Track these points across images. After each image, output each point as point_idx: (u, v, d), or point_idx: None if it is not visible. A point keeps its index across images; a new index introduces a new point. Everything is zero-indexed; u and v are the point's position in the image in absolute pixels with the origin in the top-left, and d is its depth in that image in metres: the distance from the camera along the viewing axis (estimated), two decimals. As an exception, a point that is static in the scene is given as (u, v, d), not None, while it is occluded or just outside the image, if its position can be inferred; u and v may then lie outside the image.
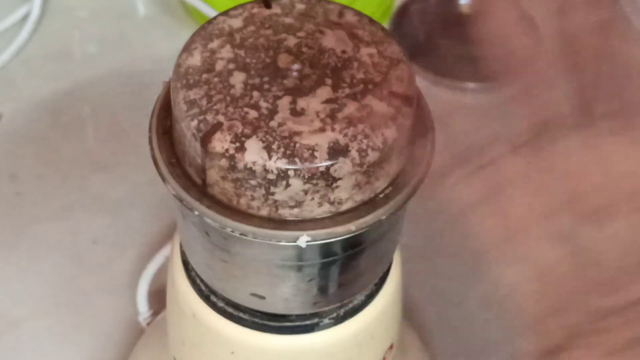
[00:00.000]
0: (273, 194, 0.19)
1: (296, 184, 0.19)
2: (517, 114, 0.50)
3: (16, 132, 0.48)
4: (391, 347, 0.26)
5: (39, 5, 0.52)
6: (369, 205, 0.20)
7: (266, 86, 0.20)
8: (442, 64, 0.51)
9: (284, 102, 0.20)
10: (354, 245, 0.21)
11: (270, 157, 0.19)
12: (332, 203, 0.20)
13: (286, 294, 0.22)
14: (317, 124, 0.19)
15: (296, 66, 0.20)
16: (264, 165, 0.19)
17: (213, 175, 0.20)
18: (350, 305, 0.23)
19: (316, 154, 0.19)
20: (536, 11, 0.54)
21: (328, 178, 0.19)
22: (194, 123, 0.20)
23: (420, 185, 0.21)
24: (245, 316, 0.23)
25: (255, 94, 0.20)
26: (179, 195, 0.20)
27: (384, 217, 0.20)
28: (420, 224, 0.44)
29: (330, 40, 0.21)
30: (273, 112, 0.20)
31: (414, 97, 0.20)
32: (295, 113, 0.20)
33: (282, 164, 0.19)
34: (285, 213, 0.20)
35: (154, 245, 0.43)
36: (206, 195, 0.20)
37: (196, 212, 0.20)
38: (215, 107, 0.20)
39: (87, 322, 0.40)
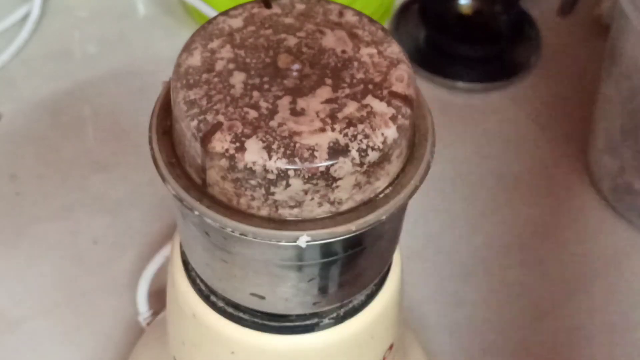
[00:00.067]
0: (273, 194, 0.19)
1: (296, 184, 0.19)
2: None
3: (16, 132, 0.48)
4: (391, 347, 0.26)
5: (39, 5, 0.52)
6: (369, 205, 0.20)
7: (266, 86, 0.20)
8: (442, 64, 0.51)
9: (284, 102, 0.20)
10: (354, 245, 0.21)
11: (270, 157, 0.19)
12: (332, 203, 0.20)
13: (286, 294, 0.22)
14: (317, 124, 0.19)
15: (296, 66, 0.20)
16: (264, 165, 0.19)
17: (213, 175, 0.20)
18: (350, 305, 0.23)
19: (316, 154, 0.19)
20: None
21: (328, 178, 0.19)
22: (194, 123, 0.20)
23: (420, 185, 0.21)
24: (245, 316, 0.23)
25: (255, 94, 0.20)
26: (179, 195, 0.20)
27: (384, 217, 0.20)
28: (420, 224, 0.44)
29: (330, 40, 0.21)
30: (273, 112, 0.20)
31: (414, 97, 0.20)
32: (295, 113, 0.20)
33: (282, 164, 0.19)
34: (285, 213, 0.20)
35: (154, 245, 0.43)
36: (206, 195, 0.20)
37: (196, 212, 0.20)
38: (215, 107, 0.20)
39: (87, 322, 0.40)
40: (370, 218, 0.20)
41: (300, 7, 0.22)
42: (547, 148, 0.48)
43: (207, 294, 0.23)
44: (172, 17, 0.54)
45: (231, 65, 0.20)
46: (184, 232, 0.23)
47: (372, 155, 0.19)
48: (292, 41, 0.21)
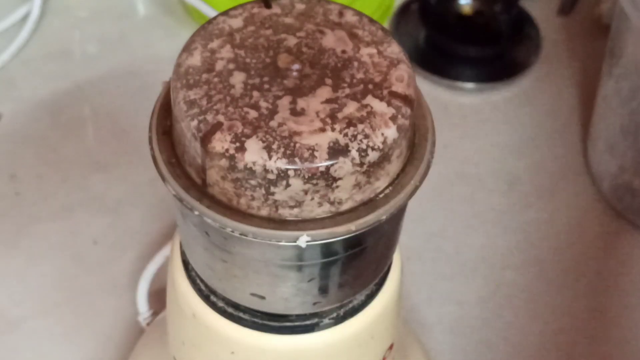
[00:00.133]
0: (273, 194, 0.19)
1: (296, 184, 0.19)
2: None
3: (16, 132, 0.48)
4: (391, 347, 0.26)
5: (39, 5, 0.52)
6: (369, 205, 0.20)
7: (266, 86, 0.20)
8: (442, 64, 0.51)
9: (284, 102, 0.20)
10: (354, 245, 0.21)
11: (270, 157, 0.19)
12: (332, 203, 0.20)
13: (286, 294, 0.22)
14: (317, 124, 0.19)
15: (296, 66, 0.20)
16: (264, 165, 0.19)
17: (213, 175, 0.20)
18: (350, 305, 0.23)
19: (316, 154, 0.19)
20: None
21: (328, 178, 0.19)
22: (194, 123, 0.19)
23: (421, 185, 0.21)
24: (245, 316, 0.23)
25: (255, 94, 0.20)
26: (179, 195, 0.20)
27: (384, 217, 0.20)
28: (420, 224, 0.44)
29: (330, 40, 0.21)
30: (273, 112, 0.20)
31: (414, 97, 0.20)
32: (295, 113, 0.20)
33: (282, 164, 0.19)
34: (285, 213, 0.20)
35: (154, 245, 0.43)
36: (206, 195, 0.20)
37: (196, 212, 0.20)
38: (215, 107, 0.20)
39: (87, 322, 0.40)
40: (370, 218, 0.20)
41: (300, 7, 0.22)
42: (547, 148, 0.48)
43: (207, 294, 0.23)
44: (172, 17, 0.54)
45: (231, 65, 0.20)
46: (184, 232, 0.23)
47: (372, 155, 0.19)
48: (292, 41, 0.21)
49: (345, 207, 0.20)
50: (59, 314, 0.41)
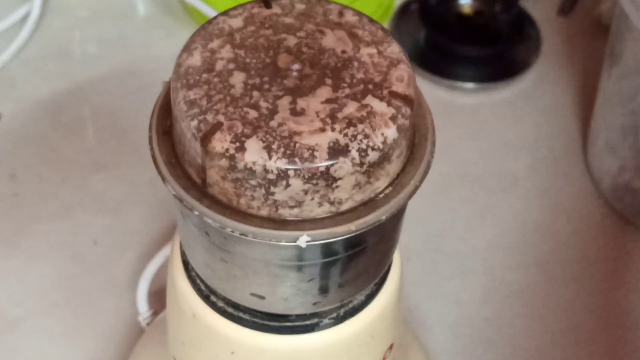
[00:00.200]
0: (273, 194, 0.19)
1: (296, 184, 0.19)
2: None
3: (16, 132, 0.48)
4: (391, 347, 0.26)
5: (39, 5, 0.52)
6: (369, 205, 0.20)
7: (266, 86, 0.20)
8: (442, 64, 0.51)
9: (284, 102, 0.20)
10: (354, 245, 0.21)
11: (270, 157, 0.19)
12: (332, 203, 0.20)
13: (286, 294, 0.22)
14: (317, 124, 0.19)
15: (296, 66, 0.20)
16: (264, 165, 0.19)
17: (213, 175, 0.20)
18: (350, 305, 0.23)
19: (316, 153, 0.19)
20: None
21: (328, 178, 0.19)
22: (194, 123, 0.19)
23: (421, 185, 0.21)
24: (245, 316, 0.23)
25: (255, 94, 0.20)
26: (179, 195, 0.20)
27: (384, 217, 0.20)
28: (420, 224, 0.44)
29: (330, 40, 0.21)
30: (273, 112, 0.20)
31: (414, 97, 0.20)
32: (295, 113, 0.20)
33: (282, 164, 0.19)
34: (285, 213, 0.20)
35: (154, 245, 0.43)
36: (206, 195, 0.20)
37: (196, 212, 0.20)
38: (215, 107, 0.20)
39: (87, 322, 0.40)
40: (370, 218, 0.20)
41: (300, 7, 0.22)
42: (547, 148, 0.48)
43: (207, 294, 0.23)
44: (172, 17, 0.54)
45: (231, 65, 0.20)
46: (184, 232, 0.23)
47: (372, 155, 0.19)
48: (292, 41, 0.21)
49: (345, 207, 0.20)
50: (59, 314, 0.41)
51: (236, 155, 0.19)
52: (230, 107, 0.20)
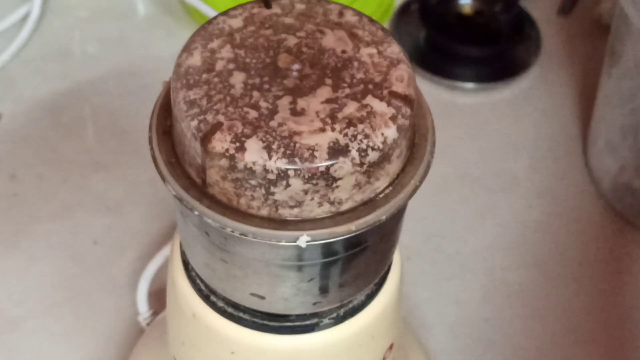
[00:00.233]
0: (273, 194, 0.19)
1: (296, 183, 0.19)
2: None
3: (16, 132, 0.48)
4: (391, 347, 0.26)
5: (39, 5, 0.52)
6: (369, 205, 0.20)
7: (266, 86, 0.20)
8: (442, 64, 0.51)
9: (284, 102, 0.20)
10: (354, 245, 0.21)
11: (270, 157, 0.19)
12: (332, 203, 0.20)
13: (286, 294, 0.22)
14: (317, 124, 0.19)
15: (296, 66, 0.20)
16: (264, 165, 0.19)
17: (213, 175, 0.20)
18: (350, 305, 0.23)
19: (316, 153, 0.19)
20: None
21: (328, 178, 0.19)
22: (194, 123, 0.19)
23: (421, 185, 0.21)
24: (245, 316, 0.23)
25: (255, 94, 0.20)
26: (179, 195, 0.20)
27: (384, 217, 0.20)
28: (420, 224, 0.44)
29: (330, 40, 0.21)
30: (273, 112, 0.20)
31: (414, 97, 0.20)
32: (295, 113, 0.20)
33: (282, 164, 0.19)
34: (285, 213, 0.20)
35: (154, 245, 0.43)
36: (206, 195, 0.20)
37: (196, 212, 0.20)
38: (215, 107, 0.20)
39: (87, 322, 0.40)
40: (370, 218, 0.20)
41: (300, 7, 0.22)
42: (547, 148, 0.48)
43: (207, 294, 0.23)
44: (172, 17, 0.54)
45: (231, 65, 0.20)
46: (184, 232, 0.23)
47: (372, 155, 0.19)
48: (292, 41, 0.21)
49: (345, 207, 0.20)
50: (59, 314, 0.41)
51: (236, 155, 0.19)
52: (230, 107, 0.20)
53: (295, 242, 0.20)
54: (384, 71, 0.20)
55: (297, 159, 0.19)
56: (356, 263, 0.22)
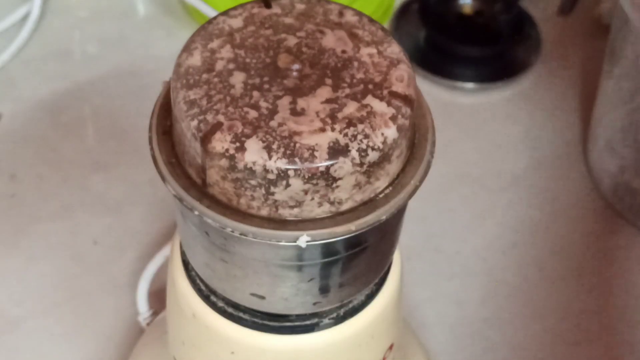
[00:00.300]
0: (273, 194, 0.19)
1: (296, 183, 0.19)
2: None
3: (16, 132, 0.48)
4: (391, 347, 0.26)
5: (39, 5, 0.52)
6: (369, 205, 0.20)
7: (266, 86, 0.20)
8: (442, 64, 0.51)
9: (284, 102, 0.20)
10: (354, 245, 0.21)
11: (270, 157, 0.19)
12: (332, 203, 0.20)
13: (286, 294, 0.22)
14: (317, 124, 0.19)
15: (296, 66, 0.20)
16: (264, 165, 0.19)
17: (213, 175, 0.20)
18: (350, 305, 0.23)
19: (316, 153, 0.19)
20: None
21: (328, 178, 0.19)
22: (194, 123, 0.20)
23: (421, 185, 0.21)
24: (245, 316, 0.23)
25: (255, 94, 0.20)
26: (179, 195, 0.20)
27: (384, 217, 0.20)
28: (420, 224, 0.44)
29: (330, 40, 0.21)
30: (273, 112, 0.20)
31: (414, 97, 0.20)
32: (295, 113, 0.20)
33: (282, 164, 0.19)
34: (285, 213, 0.20)
35: (154, 245, 0.43)
36: (206, 195, 0.20)
37: (196, 212, 0.20)
38: (215, 107, 0.20)
39: (87, 322, 0.40)
40: (370, 218, 0.20)
41: (300, 7, 0.22)
42: (547, 148, 0.48)
43: (207, 294, 0.23)
44: (172, 17, 0.54)
45: (231, 65, 0.20)
46: (184, 232, 0.23)
47: (372, 155, 0.19)
48: (292, 41, 0.21)
49: (345, 207, 0.20)
50: (59, 314, 0.41)
51: (236, 155, 0.19)
52: (230, 107, 0.20)
53: (295, 242, 0.20)
54: (384, 71, 0.21)
55: (297, 159, 0.19)
56: (356, 263, 0.22)
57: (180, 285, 0.24)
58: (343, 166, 0.19)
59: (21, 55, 0.51)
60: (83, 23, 0.53)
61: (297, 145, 0.19)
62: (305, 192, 0.19)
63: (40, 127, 0.48)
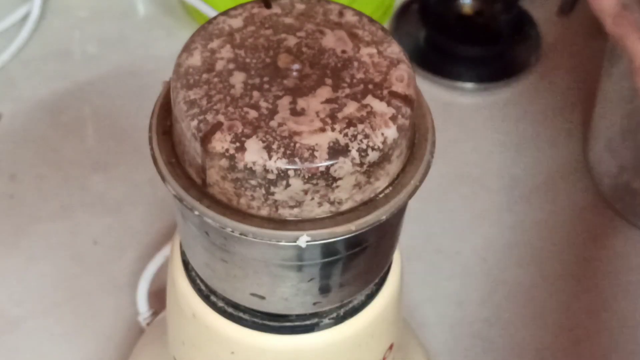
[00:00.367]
0: (273, 194, 0.19)
1: (296, 183, 0.19)
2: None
3: (16, 132, 0.48)
4: (391, 347, 0.26)
5: (39, 5, 0.52)
6: (369, 205, 0.20)
7: (266, 86, 0.20)
8: (442, 64, 0.51)
9: (284, 102, 0.20)
10: (354, 245, 0.21)
11: (270, 157, 0.19)
12: (332, 203, 0.20)
13: (286, 294, 0.22)
14: (317, 124, 0.19)
15: (296, 66, 0.20)
16: (264, 165, 0.19)
17: (213, 175, 0.20)
18: (350, 305, 0.23)
19: (316, 153, 0.19)
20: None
21: (328, 178, 0.19)
22: (194, 123, 0.19)
23: (421, 185, 0.21)
24: (245, 316, 0.23)
25: (255, 94, 0.20)
26: (179, 195, 0.20)
27: (384, 217, 0.20)
28: (420, 224, 0.44)
29: (330, 40, 0.21)
30: (273, 112, 0.20)
31: (414, 97, 0.20)
32: (295, 113, 0.20)
33: (282, 164, 0.19)
34: (285, 213, 0.20)
35: (154, 245, 0.43)
36: (206, 195, 0.20)
37: (196, 212, 0.20)
38: (215, 107, 0.20)
39: (87, 322, 0.40)
40: (370, 218, 0.20)
41: (300, 7, 0.22)
42: (547, 148, 0.48)
43: (207, 294, 0.23)
44: (172, 17, 0.54)
45: (231, 65, 0.20)
46: (184, 232, 0.23)
47: (372, 155, 0.19)
48: (292, 41, 0.21)
49: (345, 207, 0.20)
50: (59, 314, 0.41)
51: (236, 155, 0.19)
52: (230, 107, 0.20)
53: (295, 242, 0.20)
54: (384, 71, 0.21)
55: (297, 159, 0.19)
56: (356, 263, 0.22)
57: (180, 285, 0.24)
58: (343, 166, 0.19)
59: (21, 55, 0.51)
60: (83, 23, 0.53)
61: (297, 145, 0.19)
62: (305, 192, 0.19)
63: (40, 127, 0.48)
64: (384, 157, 0.20)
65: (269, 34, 0.21)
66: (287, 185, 0.19)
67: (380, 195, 0.20)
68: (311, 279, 0.21)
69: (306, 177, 0.19)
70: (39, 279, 0.42)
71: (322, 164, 0.19)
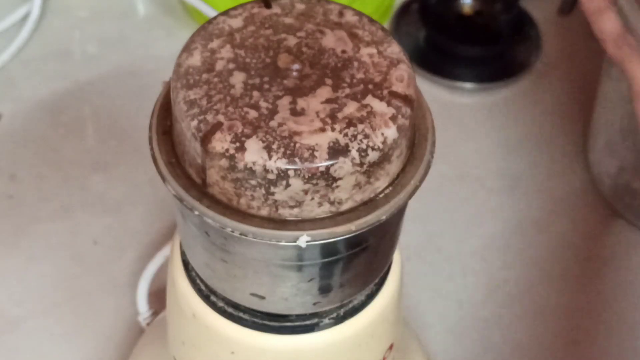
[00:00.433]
0: (273, 194, 0.19)
1: (296, 183, 0.19)
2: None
3: (16, 132, 0.48)
4: (391, 347, 0.26)
5: (39, 5, 0.52)
6: (369, 205, 0.20)
7: (266, 86, 0.20)
8: (442, 64, 0.51)
9: (284, 102, 0.20)
10: (354, 245, 0.21)
11: (270, 157, 0.19)
12: (332, 203, 0.20)
13: (286, 294, 0.22)
14: (317, 124, 0.19)
15: (296, 66, 0.20)
16: (264, 165, 0.19)
17: (213, 175, 0.20)
18: (350, 305, 0.23)
19: (316, 153, 0.19)
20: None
21: (328, 178, 0.19)
22: (194, 123, 0.20)
23: (421, 185, 0.21)
24: (245, 316, 0.23)
25: (255, 94, 0.20)
26: (179, 195, 0.20)
27: (384, 217, 0.20)
28: (420, 224, 0.44)
29: (330, 40, 0.21)
30: (273, 112, 0.20)
31: (414, 97, 0.20)
32: (295, 113, 0.20)
33: (282, 164, 0.19)
34: (285, 213, 0.20)
35: (154, 245, 0.43)
36: (206, 195, 0.20)
37: (196, 212, 0.20)
38: (215, 107, 0.20)
39: (87, 322, 0.40)
40: (370, 218, 0.20)
41: (300, 7, 0.22)
42: (547, 148, 0.48)
43: (207, 294, 0.23)
44: (172, 17, 0.54)
45: (231, 65, 0.20)
46: (184, 232, 0.23)
47: (372, 155, 0.19)
48: (292, 41, 0.21)
49: (345, 207, 0.20)
50: (59, 314, 0.41)
51: (236, 155, 0.19)
52: (230, 107, 0.20)
53: (295, 242, 0.20)
54: (384, 71, 0.21)
55: (297, 159, 0.19)
56: (356, 263, 0.22)
57: (180, 285, 0.24)
58: (343, 166, 0.19)
59: (21, 55, 0.51)
60: (83, 23, 0.53)
61: (297, 145, 0.19)
62: (305, 192, 0.19)
63: (40, 127, 0.48)
64: (384, 157, 0.20)
65: (269, 34, 0.21)
66: (287, 185, 0.19)
67: (380, 195, 0.20)
68: (311, 279, 0.21)
69: (306, 177, 0.19)
70: (39, 279, 0.42)
71: (322, 164, 0.19)
